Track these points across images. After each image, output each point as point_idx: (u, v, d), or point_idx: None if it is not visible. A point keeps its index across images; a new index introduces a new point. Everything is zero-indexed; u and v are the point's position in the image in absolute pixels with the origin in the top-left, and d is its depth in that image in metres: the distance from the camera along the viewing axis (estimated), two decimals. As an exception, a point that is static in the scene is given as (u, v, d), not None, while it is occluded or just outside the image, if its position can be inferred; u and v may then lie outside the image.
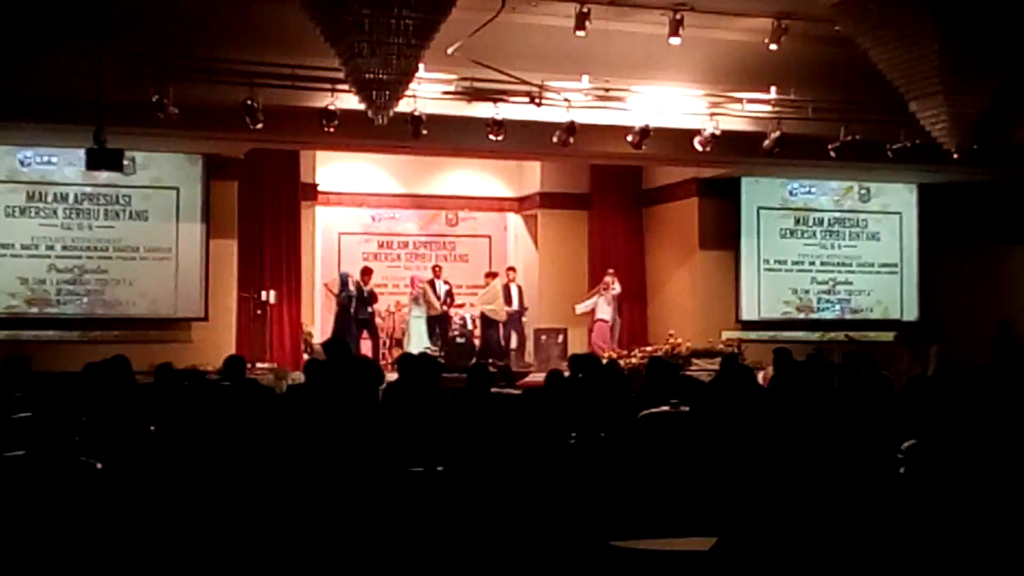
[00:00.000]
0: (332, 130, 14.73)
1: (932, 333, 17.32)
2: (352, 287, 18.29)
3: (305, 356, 16.95)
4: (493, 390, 9.07)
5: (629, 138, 15.88)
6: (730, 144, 16.37)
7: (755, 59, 15.78)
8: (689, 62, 15.80)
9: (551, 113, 15.52)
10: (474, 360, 15.36)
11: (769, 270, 19.49)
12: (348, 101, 13.54)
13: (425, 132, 14.84)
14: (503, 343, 19.03)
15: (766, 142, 16.37)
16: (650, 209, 20.66)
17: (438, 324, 18.76)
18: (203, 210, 17.08)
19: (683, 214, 19.66)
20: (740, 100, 16.38)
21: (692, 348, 17.90)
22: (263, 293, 17.55)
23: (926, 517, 4.65)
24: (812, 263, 19.73)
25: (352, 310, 18.11)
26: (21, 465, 5.32)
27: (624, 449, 7.75)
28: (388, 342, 19.21)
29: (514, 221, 21.48)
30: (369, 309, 18.36)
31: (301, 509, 5.96)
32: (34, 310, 16.45)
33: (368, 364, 11.00)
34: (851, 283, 19.91)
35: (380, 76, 11.96)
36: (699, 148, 16.22)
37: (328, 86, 14.26)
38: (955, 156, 14.94)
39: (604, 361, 13.28)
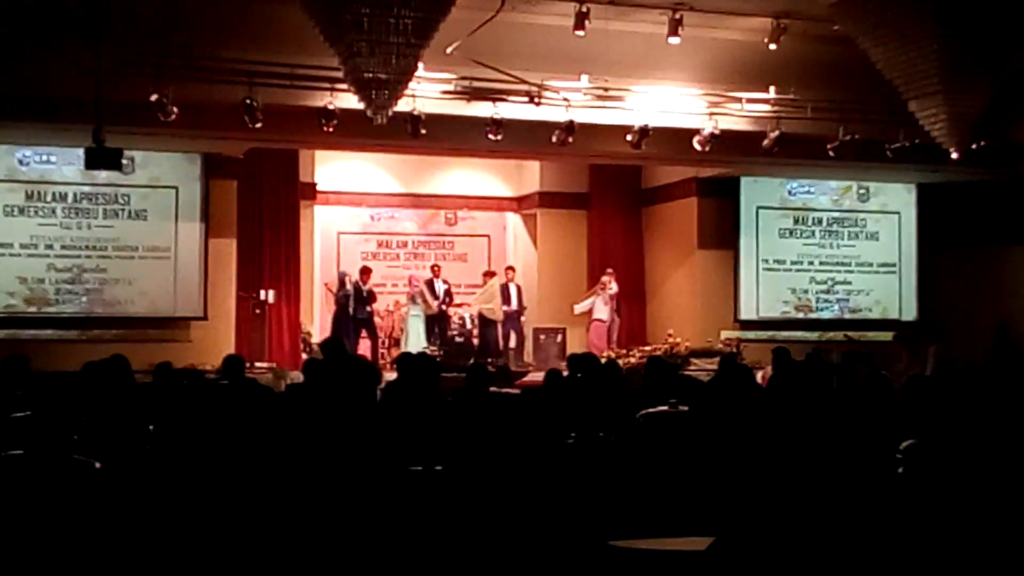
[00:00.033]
0: (331, 129, 14.74)
1: (931, 333, 17.34)
2: (349, 286, 18.29)
3: (304, 355, 16.95)
4: (492, 390, 9.07)
5: (628, 137, 15.89)
6: (729, 144, 16.37)
7: (754, 59, 15.79)
8: (688, 62, 15.80)
9: (550, 112, 15.53)
10: (472, 360, 15.35)
11: (768, 270, 19.49)
12: (347, 100, 13.55)
13: (424, 131, 14.85)
14: (500, 343, 19.02)
15: (765, 142, 16.37)
16: (649, 209, 20.66)
17: (437, 323, 18.76)
18: (202, 209, 17.09)
19: (682, 214, 19.66)
20: (739, 100, 16.39)
21: (691, 348, 17.90)
22: (262, 292, 17.54)
23: (925, 517, 4.65)
24: (811, 263, 19.74)
25: (351, 309, 18.11)
26: (20, 464, 5.32)
27: (623, 449, 7.76)
28: (387, 341, 19.21)
29: (513, 220, 21.47)
30: (368, 308, 18.35)
31: (300, 508, 5.96)
32: (33, 309, 16.45)
33: (364, 364, 10.99)
34: (850, 283, 19.91)
35: (379, 75, 11.95)
36: (698, 148, 16.22)
37: (327, 85, 14.27)
38: (955, 157, 14.95)
39: (602, 361, 13.28)
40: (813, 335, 18.85)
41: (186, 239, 17.00)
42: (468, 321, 19.29)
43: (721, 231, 19.34)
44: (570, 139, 15.56)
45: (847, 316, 19.80)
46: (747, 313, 19.28)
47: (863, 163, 17.64)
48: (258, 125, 14.43)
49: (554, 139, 15.60)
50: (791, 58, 15.69)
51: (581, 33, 14.57)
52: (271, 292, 17.59)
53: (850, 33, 13.90)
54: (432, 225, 21.20)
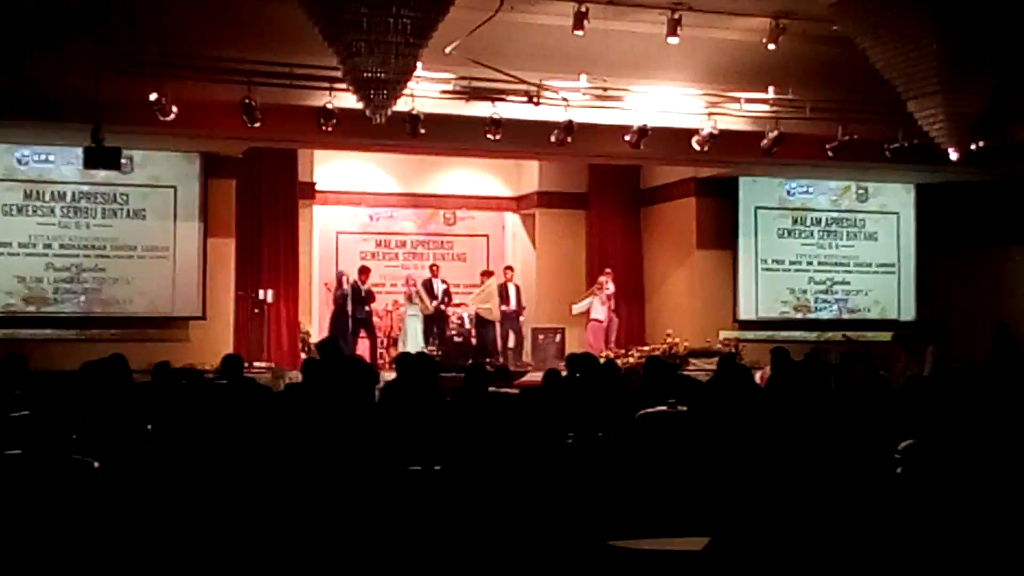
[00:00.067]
0: (330, 129, 14.75)
1: (929, 333, 17.33)
2: (347, 286, 18.29)
3: (303, 355, 16.93)
4: (491, 389, 9.07)
5: (627, 137, 15.90)
6: (728, 144, 16.37)
7: (753, 59, 15.79)
8: (687, 62, 15.80)
9: (549, 112, 15.53)
10: (470, 360, 15.35)
11: (767, 270, 19.49)
12: (346, 100, 13.54)
13: (423, 131, 14.85)
14: (499, 343, 19.01)
15: (764, 142, 16.38)
16: (648, 209, 20.66)
17: (435, 323, 18.75)
18: (201, 209, 17.08)
19: (681, 214, 19.66)
20: (738, 100, 16.39)
21: (690, 348, 17.90)
22: (261, 292, 17.54)
23: (923, 517, 4.65)
24: (810, 263, 19.74)
25: (350, 309, 18.11)
26: (18, 463, 5.32)
27: (622, 449, 7.75)
28: (385, 341, 19.20)
29: (512, 220, 21.47)
30: (367, 308, 18.35)
31: (299, 508, 5.95)
32: (31, 308, 16.44)
33: (360, 364, 10.99)
34: (848, 283, 19.91)
35: (378, 75, 11.95)
36: (697, 148, 16.23)
37: (326, 85, 14.27)
38: (954, 158, 14.95)
39: (601, 361, 13.28)
40: (812, 335, 18.84)
41: (185, 239, 16.99)
42: (467, 321, 19.29)
43: (720, 231, 19.34)
44: (569, 139, 15.56)
45: (846, 316, 19.80)
46: (746, 313, 19.28)
47: (862, 163, 17.66)
48: (257, 125, 14.44)
49: (553, 139, 15.60)
50: (790, 58, 15.70)
51: (580, 33, 14.57)
52: (270, 292, 17.59)
53: (849, 33, 13.90)
54: (431, 225, 21.19)
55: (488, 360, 15.98)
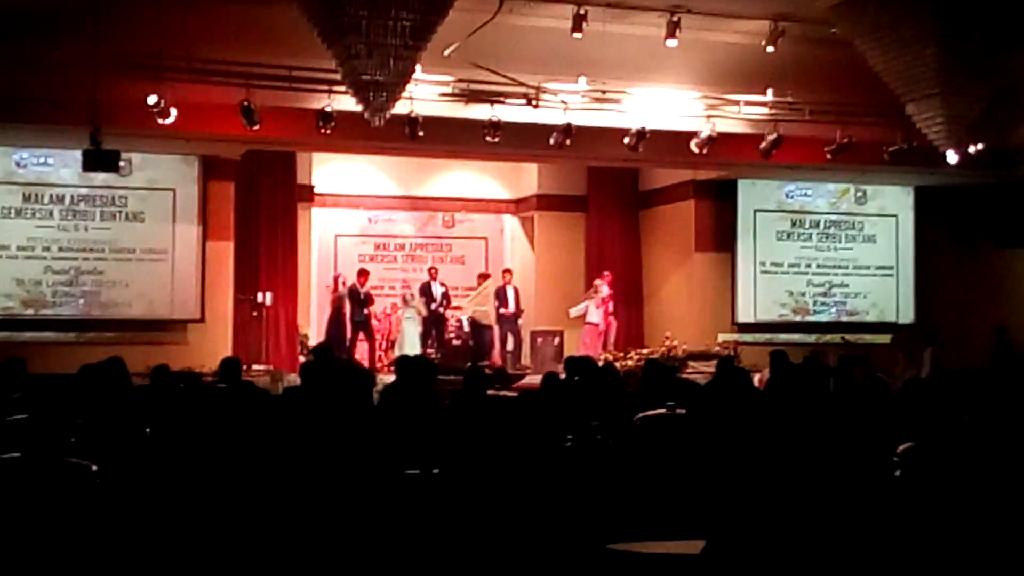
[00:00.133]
0: (329, 131, 14.75)
1: (927, 336, 17.34)
2: (343, 288, 18.28)
3: (301, 358, 16.92)
4: (489, 392, 9.06)
5: (626, 140, 15.90)
6: (727, 146, 16.39)
7: (752, 61, 15.78)
8: (686, 64, 15.80)
9: (548, 115, 15.53)
10: (469, 363, 15.35)
11: (765, 272, 19.49)
12: (345, 102, 13.54)
13: (422, 134, 14.85)
14: (496, 345, 18.98)
15: (763, 144, 16.39)
16: (647, 211, 20.66)
17: (434, 326, 18.73)
18: (199, 211, 17.07)
19: (680, 216, 19.66)
20: (737, 102, 16.41)
21: (688, 350, 17.90)
22: (259, 295, 17.53)
23: (922, 520, 4.64)
24: (808, 265, 19.74)
25: (348, 312, 18.10)
26: (16, 467, 5.31)
27: (620, 452, 7.75)
28: (384, 344, 19.18)
29: (511, 223, 21.47)
30: (365, 311, 18.34)
31: (297, 511, 5.95)
32: (30, 311, 16.42)
33: (355, 369, 10.98)
34: (847, 286, 19.91)
35: (377, 77, 11.95)
36: (696, 150, 16.24)
37: (325, 87, 14.27)
38: (953, 161, 14.96)
39: (600, 364, 13.28)
40: (810, 338, 18.84)
41: (183, 241, 16.98)
42: (465, 324, 19.27)
43: (719, 234, 19.34)
44: (568, 141, 15.56)
45: (844, 319, 19.80)
46: (744, 316, 19.28)
47: (861, 166, 17.68)
48: (256, 127, 14.44)
49: (552, 141, 15.60)
50: (789, 61, 15.70)
51: (579, 35, 14.57)
52: (268, 294, 17.58)
53: (848, 36, 13.91)
54: (430, 227, 21.18)
55: (485, 364, 15.96)
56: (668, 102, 16.14)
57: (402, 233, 21.06)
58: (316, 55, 12.97)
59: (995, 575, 4.39)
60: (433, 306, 18.68)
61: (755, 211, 19.44)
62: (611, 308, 19.03)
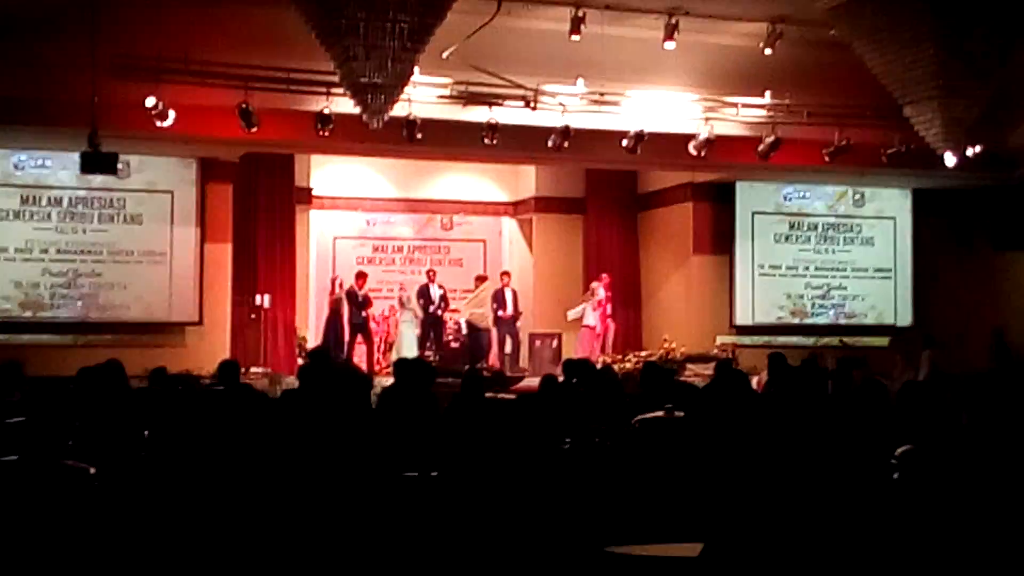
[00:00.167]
0: (327, 134, 14.75)
1: (926, 338, 17.35)
2: (340, 291, 18.27)
3: (299, 360, 16.92)
4: (488, 395, 9.06)
5: (624, 142, 15.90)
6: (725, 148, 16.39)
7: (750, 63, 15.79)
8: (684, 66, 15.81)
9: (546, 117, 15.54)
10: (466, 366, 15.34)
11: (763, 275, 19.49)
12: (343, 105, 13.53)
13: (420, 136, 14.86)
14: (495, 347, 18.97)
15: (761, 146, 16.39)
16: (645, 213, 20.66)
17: (432, 329, 18.72)
18: (197, 214, 17.06)
19: (678, 219, 19.66)
20: (735, 105, 16.41)
21: (686, 353, 17.88)
22: (257, 297, 17.52)
23: (920, 523, 4.64)
24: (806, 268, 19.75)
25: (347, 314, 18.09)
26: (14, 470, 5.30)
27: (618, 454, 7.75)
28: (382, 346, 19.17)
29: (509, 225, 21.46)
30: (363, 314, 18.32)
31: (295, 514, 5.95)
32: (28, 314, 16.42)
33: (353, 372, 10.98)
34: (845, 288, 19.91)
35: (375, 80, 11.95)
36: (694, 152, 16.24)
37: (323, 90, 14.27)
38: (951, 164, 14.96)
39: (597, 366, 13.27)
40: (809, 340, 18.83)
41: (181, 244, 16.97)
42: (463, 327, 19.26)
43: (717, 236, 19.34)
44: (566, 144, 15.57)
45: (842, 321, 19.80)
46: (743, 318, 19.28)
47: (859, 168, 17.68)
48: (254, 129, 14.44)
49: (550, 144, 15.61)
50: (787, 63, 15.71)
51: (577, 38, 14.57)
52: (266, 297, 17.57)
53: (846, 38, 13.91)
54: (428, 230, 21.17)
55: (483, 367, 15.95)
56: (666, 104, 16.14)
57: (400, 235, 21.04)
58: (314, 57, 12.96)
59: (993, 578, 4.40)
60: (431, 308, 18.67)
61: (753, 213, 19.45)
62: (608, 311, 19.01)
